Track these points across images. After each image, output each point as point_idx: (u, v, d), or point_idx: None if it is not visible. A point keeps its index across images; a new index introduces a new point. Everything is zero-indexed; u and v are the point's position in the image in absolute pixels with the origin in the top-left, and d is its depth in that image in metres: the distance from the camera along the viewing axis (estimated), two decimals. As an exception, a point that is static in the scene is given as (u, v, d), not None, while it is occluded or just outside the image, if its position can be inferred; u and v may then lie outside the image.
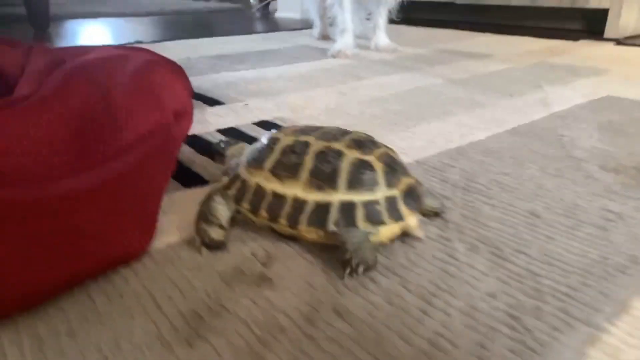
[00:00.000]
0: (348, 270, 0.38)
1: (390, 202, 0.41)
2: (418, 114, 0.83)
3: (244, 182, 0.45)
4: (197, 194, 0.53)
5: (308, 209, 0.41)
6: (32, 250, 0.36)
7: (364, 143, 0.44)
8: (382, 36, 1.47)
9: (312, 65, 1.26)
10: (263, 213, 0.42)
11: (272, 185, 0.43)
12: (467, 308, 0.35)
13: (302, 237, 0.42)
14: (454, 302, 0.36)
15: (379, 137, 0.71)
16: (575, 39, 1.68)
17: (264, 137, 0.48)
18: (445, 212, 0.48)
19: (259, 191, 0.43)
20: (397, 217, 0.41)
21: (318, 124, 0.78)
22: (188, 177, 0.57)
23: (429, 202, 0.47)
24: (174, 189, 0.54)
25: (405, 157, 0.63)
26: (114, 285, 0.38)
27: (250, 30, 2.09)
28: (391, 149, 0.46)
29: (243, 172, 0.46)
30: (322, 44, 1.63)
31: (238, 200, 0.44)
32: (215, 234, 0.43)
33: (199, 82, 1.06)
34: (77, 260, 0.37)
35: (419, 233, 0.43)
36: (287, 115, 0.82)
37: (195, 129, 0.75)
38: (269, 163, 0.44)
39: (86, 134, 0.54)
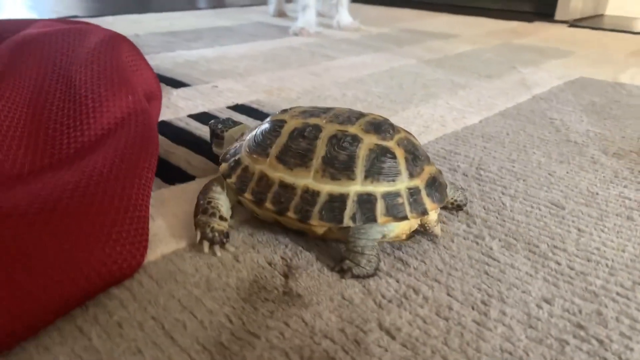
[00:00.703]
0: (338, 267, 0.35)
1: (413, 193, 0.36)
2: (402, 96, 0.78)
3: (246, 170, 0.39)
4: (185, 191, 0.46)
5: (321, 200, 0.35)
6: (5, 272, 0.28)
7: (381, 126, 0.38)
8: (345, 14, 1.41)
9: (275, 44, 1.19)
10: (269, 205, 0.37)
11: (279, 173, 0.37)
12: (525, 317, 0.31)
13: (312, 232, 0.37)
14: (509, 311, 0.32)
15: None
16: (529, 20, 1.71)
17: (267, 120, 0.42)
18: (467, 205, 0.45)
19: (264, 180, 0.38)
20: (421, 210, 0.36)
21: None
22: (169, 172, 0.50)
23: (452, 194, 0.43)
24: (156, 186, 0.47)
25: (404, 144, 0.59)
26: (109, 312, 0.31)
27: (193, 5, 1.96)
28: (410, 133, 0.41)
29: (245, 159, 0.40)
30: (279, 22, 1.55)
31: (240, 190, 0.38)
32: (217, 225, 0.37)
33: (156, 61, 0.96)
34: (54, 285, 0.29)
35: (437, 230, 0.39)
36: (263, 98, 0.76)
37: (165, 114, 0.67)
38: (275, 149, 0.38)
39: (46, 125, 0.46)
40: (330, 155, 0.36)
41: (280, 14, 1.67)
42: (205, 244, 0.37)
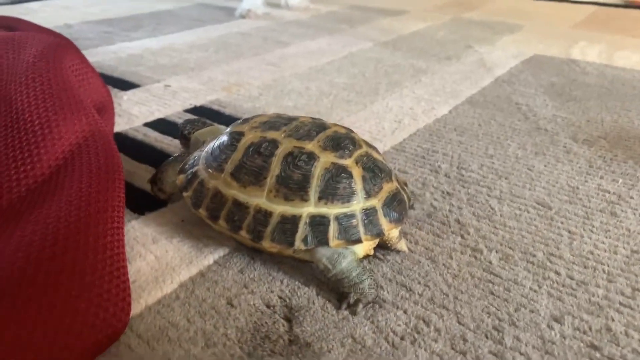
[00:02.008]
0: (345, 305, 0.33)
1: (369, 214, 0.34)
2: (367, 87, 0.76)
3: (201, 184, 0.38)
4: (158, 221, 0.42)
5: (273, 222, 0.34)
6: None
7: (341, 142, 0.36)
8: (292, -7, 1.35)
9: (223, 29, 1.12)
10: (222, 222, 0.36)
11: (233, 191, 0.36)
12: (540, 342, 0.31)
13: (266, 251, 0.36)
14: (523, 336, 0.31)
15: (337, 119, 0.64)
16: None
17: (227, 130, 0.40)
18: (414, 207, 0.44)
19: (218, 197, 0.36)
20: (377, 232, 0.34)
21: (260, 105, 0.68)
22: (135, 198, 0.45)
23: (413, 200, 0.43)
24: (126, 218, 0.42)
25: (379, 144, 0.57)
26: (99, 389, 0.27)
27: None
28: (373, 148, 0.39)
29: (202, 172, 0.38)
30: (223, 2, 1.47)
31: (195, 205, 0.37)
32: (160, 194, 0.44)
33: (95, 58, 0.88)
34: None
35: (402, 247, 0.38)
36: (223, 97, 0.71)
37: (118, 124, 0.61)
38: (230, 164, 0.37)
39: (-12, 159, 0.40)
40: (284, 174, 0.35)
41: (222, -8, 1.58)
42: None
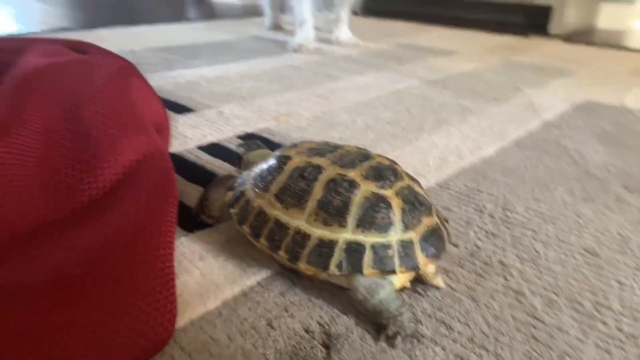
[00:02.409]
0: (383, 337, 0.33)
1: (405, 247, 0.35)
2: (413, 123, 0.77)
3: (247, 203, 0.40)
4: (205, 240, 0.44)
5: (311, 244, 0.35)
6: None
7: (384, 172, 0.37)
8: (344, 29, 1.39)
9: (275, 62, 1.17)
10: (263, 241, 0.37)
11: (276, 211, 0.37)
12: (584, 392, 0.30)
13: (302, 273, 0.37)
14: (566, 385, 0.30)
15: (382, 152, 0.65)
16: (523, 33, 1.72)
17: (275, 153, 0.42)
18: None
19: (262, 215, 0.38)
20: (412, 265, 0.35)
21: (308, 135, 0.70)
22: (186, 216, 0.47)
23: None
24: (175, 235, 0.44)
25: (423, 180, 0.57)
26: (142, 396, 0.28)
27: (183, 16, 1.93)
28: (415, 181, 0.40)
29: (249, 191, 0.40)
30: (276, 35, 1.53)
31: (239, 222, 0.40)
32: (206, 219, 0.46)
33: (157, 82, 0.93)
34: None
35: (439, 282, 0.38)
36: (272, 126, 0.74)
37: (173, 145, 0.64)
38: (275, 186, 0.38)
39: (58, 171, 0.43)
40: (325, 199, 0.36)
41: (276, 27, 1.65)
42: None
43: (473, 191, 0.55)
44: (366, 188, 0.36)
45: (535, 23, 1.87)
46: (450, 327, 0.35)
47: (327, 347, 0.33)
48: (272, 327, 0.34)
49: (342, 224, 0.35)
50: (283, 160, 0.40)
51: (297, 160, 0.39)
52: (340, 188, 0.36)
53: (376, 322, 0.34)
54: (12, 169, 0.41)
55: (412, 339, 0.33)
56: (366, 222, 0.35)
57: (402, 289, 0.37)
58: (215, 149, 0.64)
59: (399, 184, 0.37)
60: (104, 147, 0.45)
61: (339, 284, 0.36)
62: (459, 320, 0.35)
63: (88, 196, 0.42)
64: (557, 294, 0.39)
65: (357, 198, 0.35)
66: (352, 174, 0.37)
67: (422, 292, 0.38)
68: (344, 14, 1.37)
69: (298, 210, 0.36)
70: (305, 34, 1.32)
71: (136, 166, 0.45)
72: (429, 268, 0.36)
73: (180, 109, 0.80)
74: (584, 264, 0.43)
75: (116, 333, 0.30)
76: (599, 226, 0.49)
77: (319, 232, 0.35)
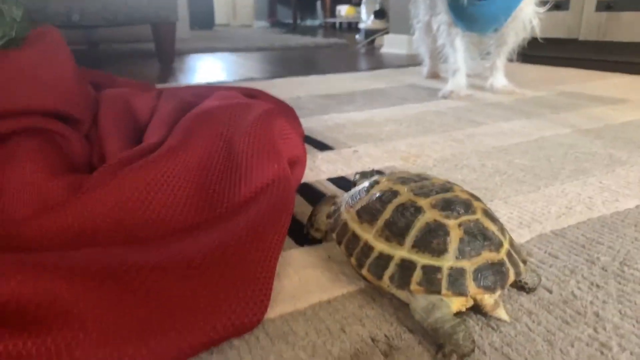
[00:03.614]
0: (440, 355, 0.35)
1: (455, 274, 0.37)
2: (549, 171, 0.74)
3: (338, 216, 0.47)
4: (311, 254, 0.50)
5: (373, 255, 0.40)
6: (142, 317, 0.35)
7: (454, 205, 0.40)
8: (499, 77, 1.38)
9: (422, 107, 1.22)
10: (342, 248, 0.44)
11: (354, 225, 0.44)
12: None
13: (365, 280, 0.43)
14: None
15: (503, 196, 0.65)
16: None
17: (370, 180, 0.48)
18: (536, 288, 0.43)
19: (345, 227, 0.45)
20: (459, 291, 0.37)
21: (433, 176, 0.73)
22: (301, 232, 0.55)
23: (524, 277, 0.42)
24: (287, 246, 0.52)
25: (539, 226, 0.56)
26: (228, 359, 0.36)
27: (356, 67, 2.11)
28: (493, 219, 0.41)
29: (342, 208, 0.48)
30: (431, 83, 1.59)
31: (331, 230, 0.47)
32: (314, 233, 0.53)
33: (309, 124, 1.07)
34: (187, 332, 0.35)
35: (502, 315, 0.38)
36: (398, 164, 0.79)
37: (307, 176, 0.74)
38: (359, 204, 0.45)
39: (208, 186, 0.55)
40: (392, 219, 0.41)
41: (434, 75, 1.71)
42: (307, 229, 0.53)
43: (592, 242, 0.52)
44: (430, 215, 0.39)
45: None
46: (514, 363, 0.35)
47: (386, 355, 0.36)
48: (344, 331, 0.39)
49: (400, 243, 0.39)
50: (372, 184, 0.46)
51: (382, 185, 0.45)
52: (407, 212, 0.40)
53: (436, 342, 0.37)
54: (176, 180, 0.54)
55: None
56: (422, 245, 0.38)
57: (458, 313, 0.38)
58: (341, 181, 0.72)
59: (465, 217, 0.39)
60: (244, 172, 0.57)
61: (400, 298, 0.40)
62: (525, 359, 0.35)
63: (226, 208, 0.53)
64: (653, 355, 0.35)
65: (420, 223, 0.39)
66: (423, 202, 0.41)
67: (494, 326, 0.39)
68: (500, 62, 1.37)
69: (369, 226, 0.42)
70: (458, 81, 1.35)
71: (265, 187, 0.55)
72: (486, 299, 0.37)
73: (323, 146, 0.90)
74: (703, 331, 0.38)
75: (221, 308, 0.38)
76: None
77: (380, 246, 0.40)
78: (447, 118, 1.10)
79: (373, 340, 0.38)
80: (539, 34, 1.27)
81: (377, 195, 0.44)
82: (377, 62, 2.33)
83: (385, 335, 0.38)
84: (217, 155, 0.59)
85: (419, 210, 0.40)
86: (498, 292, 0.38)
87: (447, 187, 0.44)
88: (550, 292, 0.44)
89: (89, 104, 0.74)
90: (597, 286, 0.44)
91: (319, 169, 0.77)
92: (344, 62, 2.31)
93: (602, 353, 0.36)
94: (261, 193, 0.54)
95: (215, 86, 1.08)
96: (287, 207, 0.52)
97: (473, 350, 0.35)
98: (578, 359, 0.35)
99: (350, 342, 0.38)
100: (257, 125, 0.63)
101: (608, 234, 0.54)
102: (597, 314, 0.40)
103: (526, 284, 0.43)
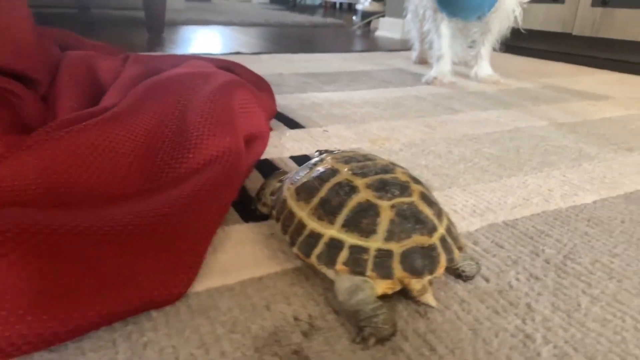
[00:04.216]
0: (359, 339, 0.34)
1: (382, 255, 0.36)
2: (515, 161, 0.73)
3: (281, 192, 0.46)
4: (254, 231, 0.49)
5: (304, 233, 0.39)
6: (66, 281, 0.34)
7: (390, 186, 0.39)
8: (484, 65, 1.36)
9: (403, 92, 1.20)
10: (280, 225, 0.43)
11: (292, 202, 0.43)
12: None
13: (308, 265, 0.42)
14: None
15: (462, 184, 0.63)
16: None
17: (315, 157, 0.48)
18: (474, 277, 0.42)
19: (284, 204, 0.44)
20: (384, 273, 0.36)
21: (395, 159, 0.71)
22: (249, 207, 0.54)
23: (459, 262, 0.41)
24: (232, 221, 0.51)
25: (492, 215, 0.55)
26: (142, 332, 0.35)
27: (348, 48, 2.08)
28: (426, 202, 0.40)
29: (285, 184, 0.46)
30: (418, 69, 1.56)
31: (272, 207, 0.47)
32: (261, 207, 0.51)
33: (285, 101, 1.05)
34: (107, 299, 0.34)
35: (430, 301, 0.38)
36: (366, 147, 0.77)
37: (270, 152, 0.72)
38: (299, 182, 0.44)
39: (155, 154, 0.53)
40: (327, 198, 0.40)
41: (423, 61, 1.68)
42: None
43: (540, 234, 0.51)
44: (364, 195, 0.38)
45: None
46: (434, 350, 0.34)
47: (305, 335, 0.35)
48: (268, 309, 0.38)
49: (331, 222, 0.38)
50: (315, 162, 0.45)
51: (324, 164, 0.43)
52: (341, 191, 0.39)
53: (357, 325, 0.36)
54: (120, 146, 0.52)
55: (389, 349, 0.34)
56: (352, 224, 0.37)
57: (383, 296, 0.37)
58: (303, 160, 0.70)
59: (399, 199, 0.38)
60: (194, 142, 0.55)
61: (329, 276, 0.39)
62: (447, 347, 0.35)
63: (171, 177, 0.52)
64: (576, 350, 0.35)
65: (352, 202, 0.38)
66: (359, 181, 0.39)
67: (422, 312, 0.38)
68: (485, 50, 1.35)
69: (305, 204, 0.41)
70: (442, 68, 1.33)
71: (213, 160, 0.53)
72: (413, 284, 0.36)
73: (293, 124, 0.88)
74: (632, 329, 0.37)
75: (141, 279, 0.37)
76: (679, 296, 0.42)
77: (312, 224, 0.39)
78: (425, 104, 1.09)
79: (295, 319, 0.37)
80: (521, 24, 1.25)
81: (317, 173, 0.43)
82: (369, 44, 2.30)
83: (310, 315, 0.37)
84: (169, 123, 0.57)
85: (353, 189, 0.39)
86: (426, 277, 0.37)
87: (388, 168, 0.42)
88: (488, 281, 0.43)
89: (49, 64, 0.72)
90: (536, 278, 0.43)
91: (284, 146, 0.76)
92: (337, 43, 2.28)
93: (524, 344, 0.35)
94: (208, 165, 0.52)
95: (192, 56, 1.06)
96: (232, 182, 0.51)
97: (393, 334, 0.35)
98: (500, 349, 0.35)
99: (272, 320, 0.37)
100: (214, 96, 0.61)
101: (559, 227, 0.53)
102: (529, 306, 0.40)
103: (463, 271, 0.42)
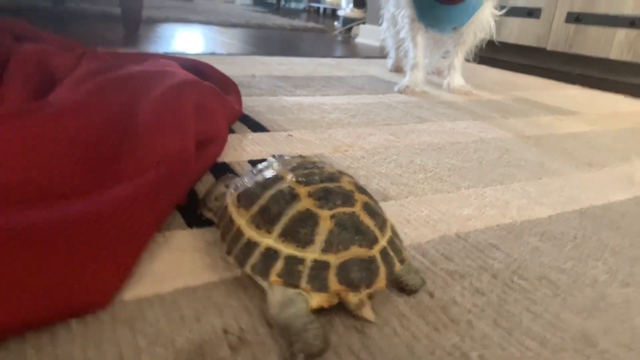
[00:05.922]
0: (289, 354, 0.33)
1: (318, 267, 0.35)
2: (475, 173, 0.73)
3: (225, 199, 0.44)
4: (197, 238, 0.47)
5: (241, 242, 0.38)
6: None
7: (332, 196, 0.38)
8: (456, 76, 1.37)
9: (374, 99, 1.20)
10: (219, 233, 0.41)
11: (233, 209, 0.41)
12: None
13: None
14: None
15: (419, 194, 0.63)
16: (681, 104, 1.49)
17: (264, 163, 0.46)
18: (418, 291, 0.41)
19: (225, 211, 0.42)
20: (319, 286, 0.34)
21: (355, 166, 0.70)
22: (195, 212, 0.52)
23: (403, 275, 0.40)
24: (174, 226, 0.49)
25: (444, 227, 0.54)
26: (56, 343, 0.33)
27: (327, 53, 2.07)
28: (369, 212, 0.38)
29: (230, 189, 0.45)
30: (392, 77, 1.56)
31: (216, 212, 0.46)
32: (206, 212, 0.49)
33: (253, 103, 1.03)
34: (21, 306, 0.32)
35: (368, 315, 0.36)
36: (327, 153, 0.76)
37: (229, 155, 0.70)
38: (242, 188, 0.42)
39: (98, 155, 0.51)
40: (267, 206, 0.38)
41: (398, 69, 1.68)
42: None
43: (491, 248, 0.51)
44: (304, 204, 0.37)
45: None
46: (358, 357, 0.33)
47: (232, 349, 0.34)
48: (198, 321, 0.36)
49: (269, 230, 0.37)
50: (262, 168, 0.43)
51: (270, 170, 0.42)
52: (282, 199, 0.38)
53: (288, 340, 0.34)
54: (60, 147, 0.50)
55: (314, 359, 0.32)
56: (289, 234, 0.36)
57: (320, 310, 0.36)
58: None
59: (341, 209, 0.37)
60: (140, 145, 0.53)
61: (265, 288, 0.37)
62: (370, 353, 0.33)
63: (111, 180, 0.50)
64: (512, 370, 0.34)
65: (292, 211, 0.36)
66: (301, 189, 0.38)
67: (359, 327, 0.37)
68: (457, 61, 1.35)
69: (245, 211, 0.39)
70: (415, 77, 1.33)
71: (157, 164, 0.51)
72: (350, 297, 0.35)
73: (257, 127, 0.87)
74: (571, 350, 0.37)
75: (59, 286, 0.34)
76: (620, 315, 0.41)
77: (250, 232, 0.38)
78: (394, 112, 1.08)
79: (225, 331, 0.35)
80: (495, 36, 1.26)
81: (260, 179, 0.41)
82: (347, 50, 2.30)
83: (241, 328, 0.36)
84: (115, 123, 0.55)
85: (294, 197, 0.38)
86: (364, 291, 0.36)
87: (334, 176, 0.41)
88: (432, 296, 0.42)
89: (-2, 56, 0.69)
90: (482, 293, 0.43)
91: (244, 150, 0.74)
92: (316, 47, 2.27)
93: (452, 355, 0.34)
94: (153, 167, 0.50)
95: (157, 54, 1.03)
96: (176, 185, 0.49)
97: (324, 351, 0.33)
98: (424, 358, 0.33)
99: (199, 333, 0.35)
100: (166, 96, 0.59)
101: (511, 241, 0.53)
102: (470, 323, 0.39)
103: (407, 285, 0.41)
